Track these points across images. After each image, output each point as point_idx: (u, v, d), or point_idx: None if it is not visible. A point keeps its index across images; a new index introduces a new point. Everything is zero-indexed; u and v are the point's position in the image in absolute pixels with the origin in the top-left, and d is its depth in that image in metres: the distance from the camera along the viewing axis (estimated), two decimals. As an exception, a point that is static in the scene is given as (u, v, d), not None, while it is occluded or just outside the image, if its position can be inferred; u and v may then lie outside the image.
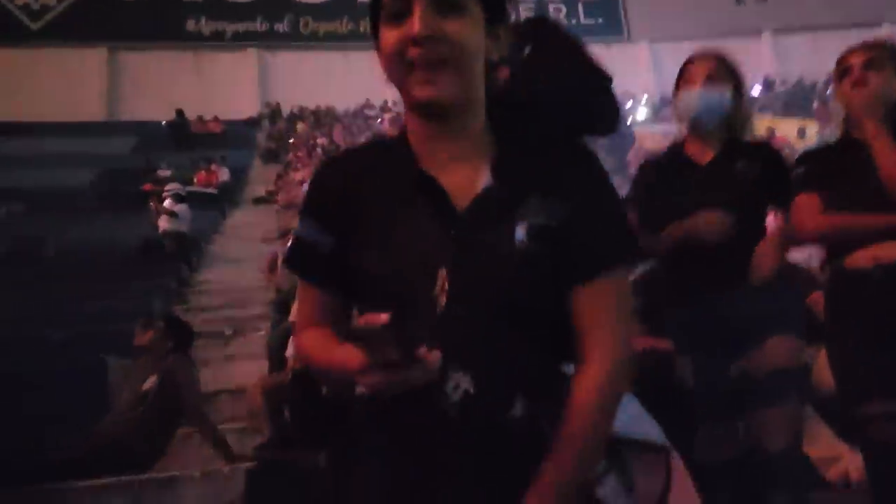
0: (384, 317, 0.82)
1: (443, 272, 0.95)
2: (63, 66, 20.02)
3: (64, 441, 3.66)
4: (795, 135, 12.70)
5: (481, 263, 0.96)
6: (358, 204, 1.02)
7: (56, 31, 20.90)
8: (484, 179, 1.00)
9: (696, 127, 2.17)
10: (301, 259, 1.08)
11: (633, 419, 1.03)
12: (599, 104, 1.78)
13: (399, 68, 0.98)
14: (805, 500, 2.02)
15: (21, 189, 11.91)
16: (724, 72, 2.15)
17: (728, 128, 2.17)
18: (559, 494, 0.93)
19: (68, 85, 19.71)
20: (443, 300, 0.95)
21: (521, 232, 0.97)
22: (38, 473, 3.40)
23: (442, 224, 0.98)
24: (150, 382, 3.85)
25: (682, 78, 2.18)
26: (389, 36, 0.98)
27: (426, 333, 0.89)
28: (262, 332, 5.96)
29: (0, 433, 3.56)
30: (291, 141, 16.46)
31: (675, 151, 2.24)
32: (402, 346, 0.84)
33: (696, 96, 2.13)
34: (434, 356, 0.86)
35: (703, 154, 2.17)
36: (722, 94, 2.13)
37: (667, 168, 2.22)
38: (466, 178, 1.00)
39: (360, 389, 0.94)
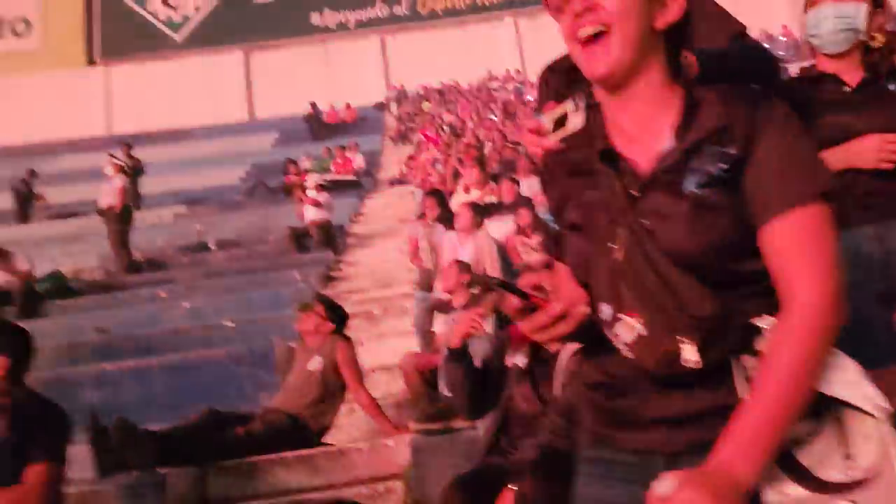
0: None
1: (622, 231, 1.03)
2: (204, 72, 21.43)
3: (241, 420, 3.98)
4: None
5: (653, 219, 1.01)
6: (568, 182, 1.13)
7: (196, 40, 22.38)
8: (663, 142, 1.04)
9: (826, 46, 1.98)
10: (548, 243, 1.20)
11: (851, 382, 0.97)
12: (750, 52, 1.71)
13: (573, 47, 1.06)
14: None
15: (180, 191, 12.99)
16: None
17: (867, 50, 1.97)
18: (753, 444, 0.91)
19: (210, 89, 21.09)
20: (620, 255, 1.03)
21: (690, 183, 1.00)
22: (222, 450, 3.76)
23: (622, 190, 1.05)
24: (315, 362, 4.13)
25: None
26: (561, 20, 1.06)
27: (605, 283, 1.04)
28: (408, 311, 6.19)
29: (185, 415, 3.91)
30: (419, 121, 16.78)
31: (810, 74, 2.05)
32: (510, 291, 1.02)
33: (822, 12, 1.95)
34: (558, 306, 1.02)
35: (843, 76, 1.98)
36: (857, 9, 1.92)
37: (803, 91, 2.00)
38: (649, 144, 1.05)
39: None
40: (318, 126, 17.51)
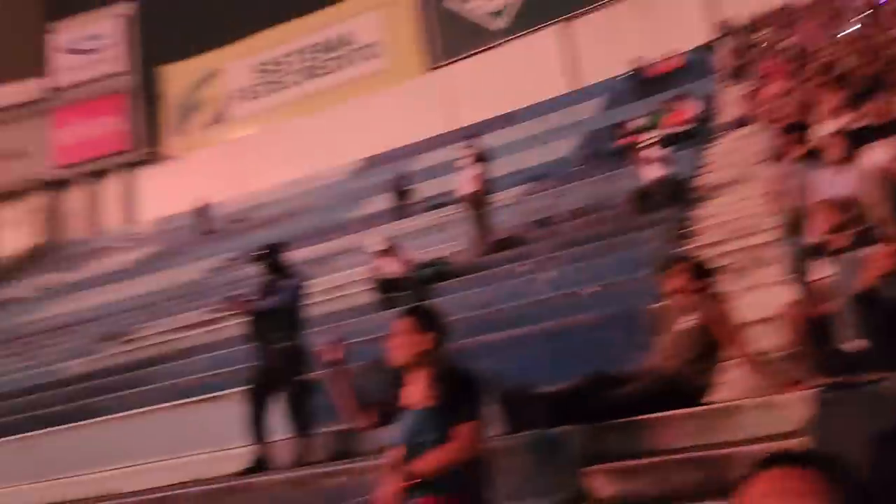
0: None
1: None
2: (526, 53, 22.30)
3: (621, 381, 4.09)
4: None
5: None
6: None
7: (515, 23, 23.42)
8: None
9: None
10: None
11: None
12: None
13: None
14: None
15: (524, 169, 13.74)
16: None
17: None
18: None
19: (535, 67, 21.87)
20: None
21: None
22: (607, 410, 3.92)
23: None
24: (687, 321, 4.08)
25: None
26: None
27: None
28: (775, 260, 5.76)
29: (569, 378, 4.15)
30: (756, 53, 15.33)
31: None
32: None
33: None
34: None
35: None
36: None
37: None
38: None
39: None
40: (644, 82, 17.10)
